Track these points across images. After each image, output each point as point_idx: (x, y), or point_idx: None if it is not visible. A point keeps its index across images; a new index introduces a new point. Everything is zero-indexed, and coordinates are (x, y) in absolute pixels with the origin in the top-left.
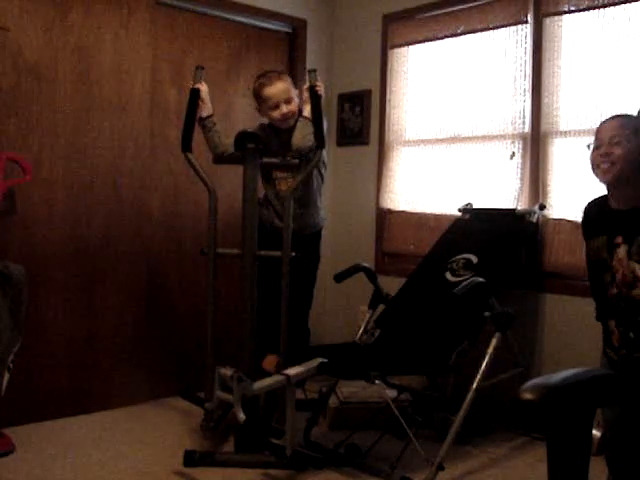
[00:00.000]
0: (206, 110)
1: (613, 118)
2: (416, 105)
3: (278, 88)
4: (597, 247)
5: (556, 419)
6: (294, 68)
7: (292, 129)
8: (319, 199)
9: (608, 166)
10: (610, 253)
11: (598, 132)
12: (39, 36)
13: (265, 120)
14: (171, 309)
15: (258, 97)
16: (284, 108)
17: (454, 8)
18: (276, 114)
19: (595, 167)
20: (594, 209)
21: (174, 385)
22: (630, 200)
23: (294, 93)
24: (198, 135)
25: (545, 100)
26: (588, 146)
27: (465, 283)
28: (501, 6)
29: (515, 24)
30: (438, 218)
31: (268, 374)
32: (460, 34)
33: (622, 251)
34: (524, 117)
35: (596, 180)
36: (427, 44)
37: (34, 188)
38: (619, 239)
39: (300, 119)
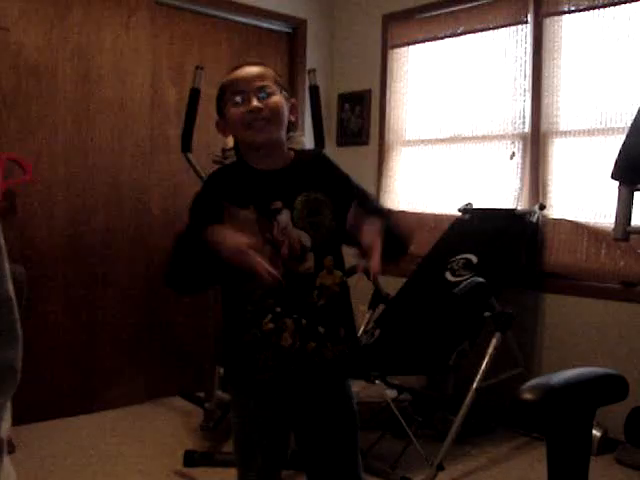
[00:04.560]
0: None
1: (249, 64)
2: (416, 105)
3: None
4: (243, 222)
5: (556, 419)
6: (294, 68)
7: None
8: None
9: (263, 124)
10: (267, 224)
11: (237, 82)
12: (39, 36)
13: None
14: (171, 309)
15: None
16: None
17: (454, 8)
18: None
19: (247, 127)
20: (230, 175)
21: (174, 385)
22: (278, 160)
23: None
24: (198, 135)
25: (545, 100)
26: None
27: (465, 283)
28: (501, 6)
29: (515, 24)
30: (438, 218)
31: None
32: (460, 34)
33: (285, 218)
34: (524, 117)
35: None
36: (427, 44)
37: (34, 188)
38: (278, 204)
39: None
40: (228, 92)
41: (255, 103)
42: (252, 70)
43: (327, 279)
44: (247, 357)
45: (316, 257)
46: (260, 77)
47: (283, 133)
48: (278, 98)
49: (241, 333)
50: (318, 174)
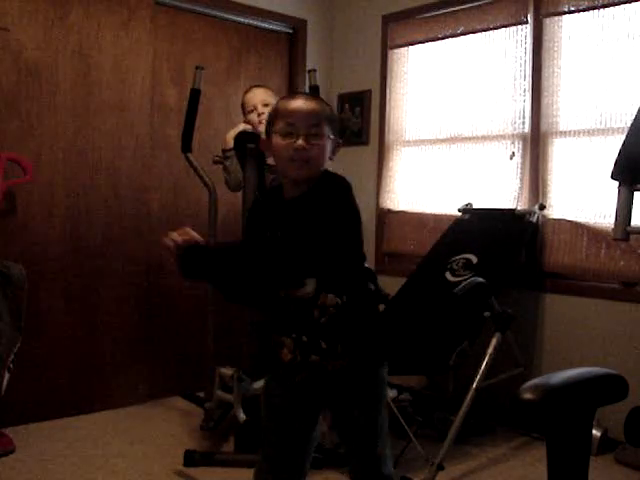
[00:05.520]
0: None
1: (307, 99)
2: (416, 105)
3: (255, 93)
4: None
5: (556, 419)
6: (294, 68)
7: None
8: None
9: (302, 164)
10: None
11: (291, 114)
12: (39, 36)
13: None
14: (171, 309)
15: (241, 107)
16: (260, 108)
17: (454, 8)
18: (253, 116)
19: (288, 160)
20: (270, 198)
21: (174, 385)
22: (304, 187)
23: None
24: (198, 135)
25: (545, 100)
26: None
27: (465, 283)
28: (501, 6)
29: (515, 24)
30: (438, 218)
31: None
32: (460, 34)
33: None
34: (524, 117)
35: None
36: (427, 44)
37: (34, 188)
38: (279, 234)
39: None
40: (280, 119)
41: (301, 142)
42: (308, 106)
43: (327, 299)
44: (266, 356)
45: (319, 281)
46: (315, 116)
47: (320, 169)
48: (324, 142)
49: (262, 336)
50: (313, 209)
